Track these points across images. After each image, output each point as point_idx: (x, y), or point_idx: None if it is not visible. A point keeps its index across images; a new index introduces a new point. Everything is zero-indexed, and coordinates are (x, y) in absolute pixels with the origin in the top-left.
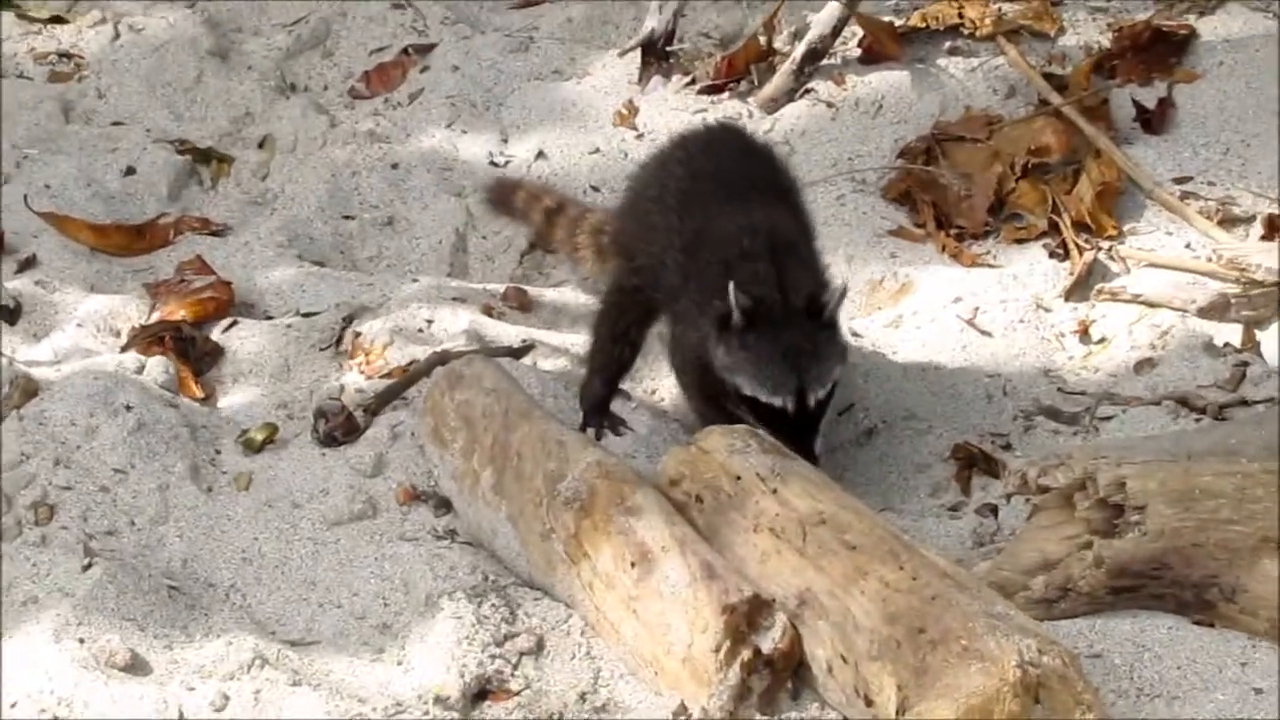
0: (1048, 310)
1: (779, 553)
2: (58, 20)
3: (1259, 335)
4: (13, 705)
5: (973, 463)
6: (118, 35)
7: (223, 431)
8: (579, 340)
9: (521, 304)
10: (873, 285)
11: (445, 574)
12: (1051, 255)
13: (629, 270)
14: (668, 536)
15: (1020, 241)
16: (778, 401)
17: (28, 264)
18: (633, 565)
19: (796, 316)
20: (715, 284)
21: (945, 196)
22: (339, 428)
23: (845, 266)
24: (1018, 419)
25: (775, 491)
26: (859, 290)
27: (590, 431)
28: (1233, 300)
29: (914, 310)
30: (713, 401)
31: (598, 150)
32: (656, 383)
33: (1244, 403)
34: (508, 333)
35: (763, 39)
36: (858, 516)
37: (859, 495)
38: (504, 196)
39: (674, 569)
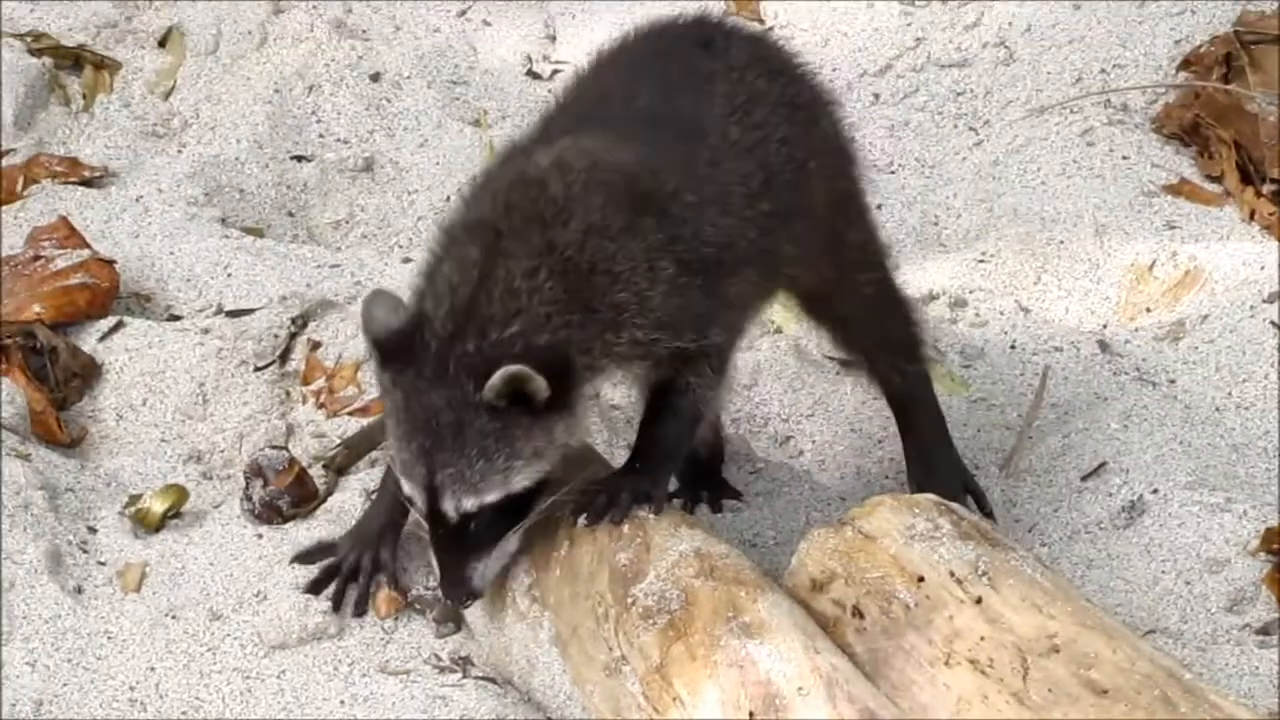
0: None
1: (985, 698)
2: None
3: None
4: None
5: None
6: None
7: (100, 497)
8: None
9: None
10: (1138, 272)
11: None
12: None
13: None
14: (807, 671)
15: None
16: (409, 494)
17: None
18: (751, 716)
19: (457, 363)
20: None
21: (1253, 132)
22: (285, 494)
23: (1094, 241)
24: None
25: (980, 601)
26: (1117, 280)
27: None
28: None
29: (1203, 313)
30: None
31: None
32: (790, 426)
33: None
34: None
35: None
36: (1110, 642)
37: (1113, 608)
38: None
39: None
